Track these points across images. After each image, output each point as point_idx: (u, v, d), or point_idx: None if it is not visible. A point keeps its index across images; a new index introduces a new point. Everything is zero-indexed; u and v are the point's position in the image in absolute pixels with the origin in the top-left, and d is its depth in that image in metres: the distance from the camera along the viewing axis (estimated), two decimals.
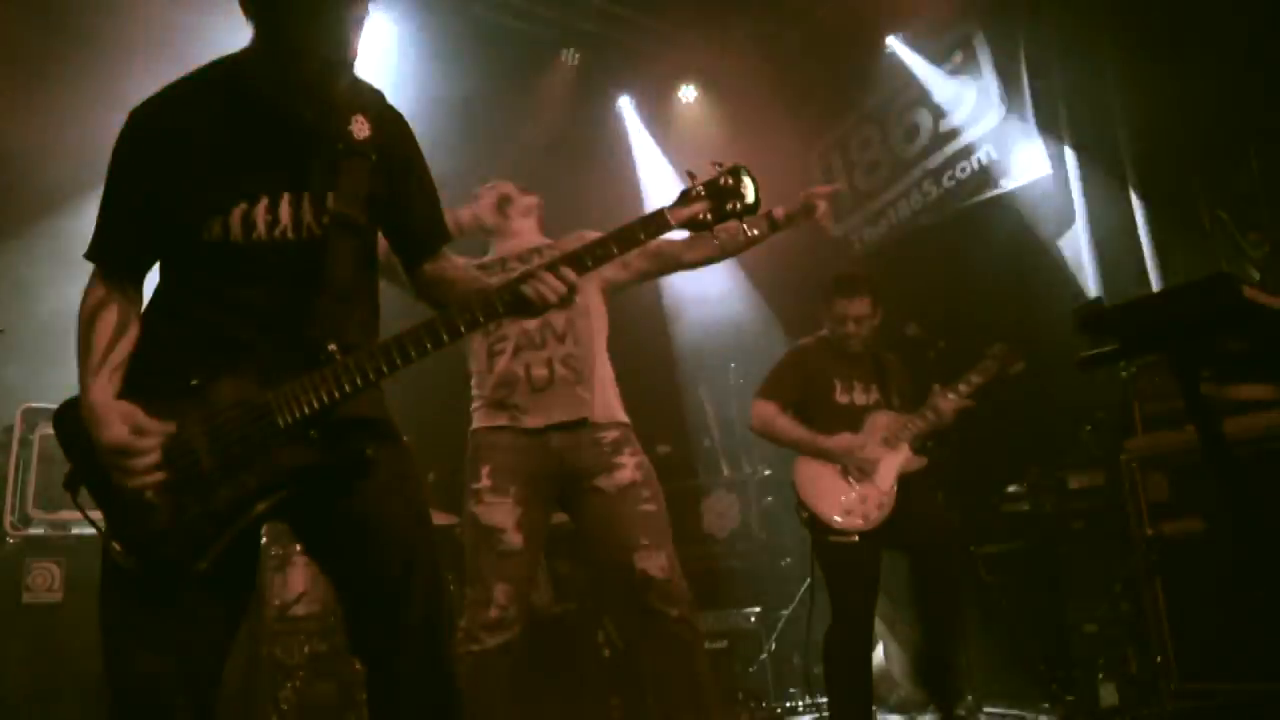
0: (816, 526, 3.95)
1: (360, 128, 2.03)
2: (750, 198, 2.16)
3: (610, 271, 3.28)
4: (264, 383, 1.93)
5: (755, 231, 3.14)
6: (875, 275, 4.37)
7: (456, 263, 2.26)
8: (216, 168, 1.96)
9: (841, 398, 4.08)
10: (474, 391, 3.27)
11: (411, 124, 2.18)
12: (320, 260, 1.98)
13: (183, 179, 1.97)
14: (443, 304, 2.14)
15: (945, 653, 4.01)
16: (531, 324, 3.13)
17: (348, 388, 1.92)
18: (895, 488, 3.93)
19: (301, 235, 1.99)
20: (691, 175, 2.16)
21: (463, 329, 1.97)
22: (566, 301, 2.05)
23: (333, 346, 1.95)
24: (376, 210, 2.06)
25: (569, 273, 2.03)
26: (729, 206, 2.15)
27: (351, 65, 1.98)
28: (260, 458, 1.91)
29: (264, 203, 1.97)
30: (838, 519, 3.90)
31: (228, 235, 1.96)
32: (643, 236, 2.09)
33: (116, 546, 1.90)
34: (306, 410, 1.91)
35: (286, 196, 1.98)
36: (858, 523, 3.89)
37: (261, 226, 1.97)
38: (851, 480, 3.96)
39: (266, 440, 1.91)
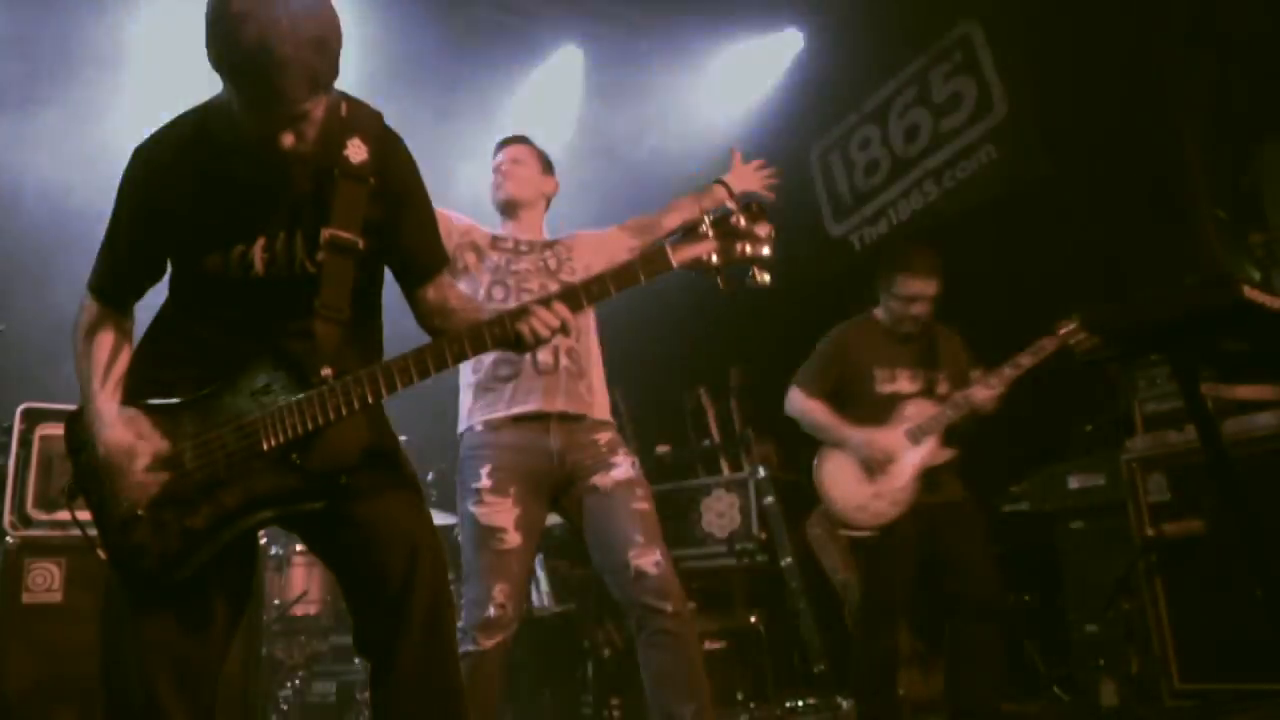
0: (835, 521, 3.86)
1: (357, 151, 2.02)
2: (764, 244, 2.00)
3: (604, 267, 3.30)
4: (255, 404, 1.96)
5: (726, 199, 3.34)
6: (875, 277, 4.30)
7: (458, 291, 2.26)
8: (214, 211, 1.99)
9: (883, 387, 3.86)
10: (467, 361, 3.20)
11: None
12: (317, 288, 2.00)
13: (181, 221, 2.00)
14: (441, 332, 2.15)
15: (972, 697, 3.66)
16: None
17: (333, 414, 1.93)
18: (914, 484, 3.72)
19: (294, 271, 2.02)
20: (705, 212, 2.03)
21: (450, 361, 1.97)
22: (562, 333, 2.02)
23: (327, 371, 1.96)
24: (375, 234, 2.06)
25: (563, 309, 2.00)
26: (739, 249, 1.99)
27: (326, 91, 1.89)
28: (242, 478, 1.94)
29: (260, 243, 2.00)
30: (850, 516, 3.78)
31: (226, 270, 2.00)
32: (642, 277, 2.00)
33: (102, 555, 1.95)
34: (291, 434, 1.93)
35: (282, 235, 2.01)
36: (869, 520, 3.74)
37: (259, 265, 2.00)
38: (870, 476, 3.78)
39: (250, 460, 1.94)
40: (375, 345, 2.19)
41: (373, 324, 2.19)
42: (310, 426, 1.93)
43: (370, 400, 1.94)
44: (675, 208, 3.42)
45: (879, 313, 3.94)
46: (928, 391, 3.86)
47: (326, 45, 1.80)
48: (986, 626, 3.63)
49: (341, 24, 1.86)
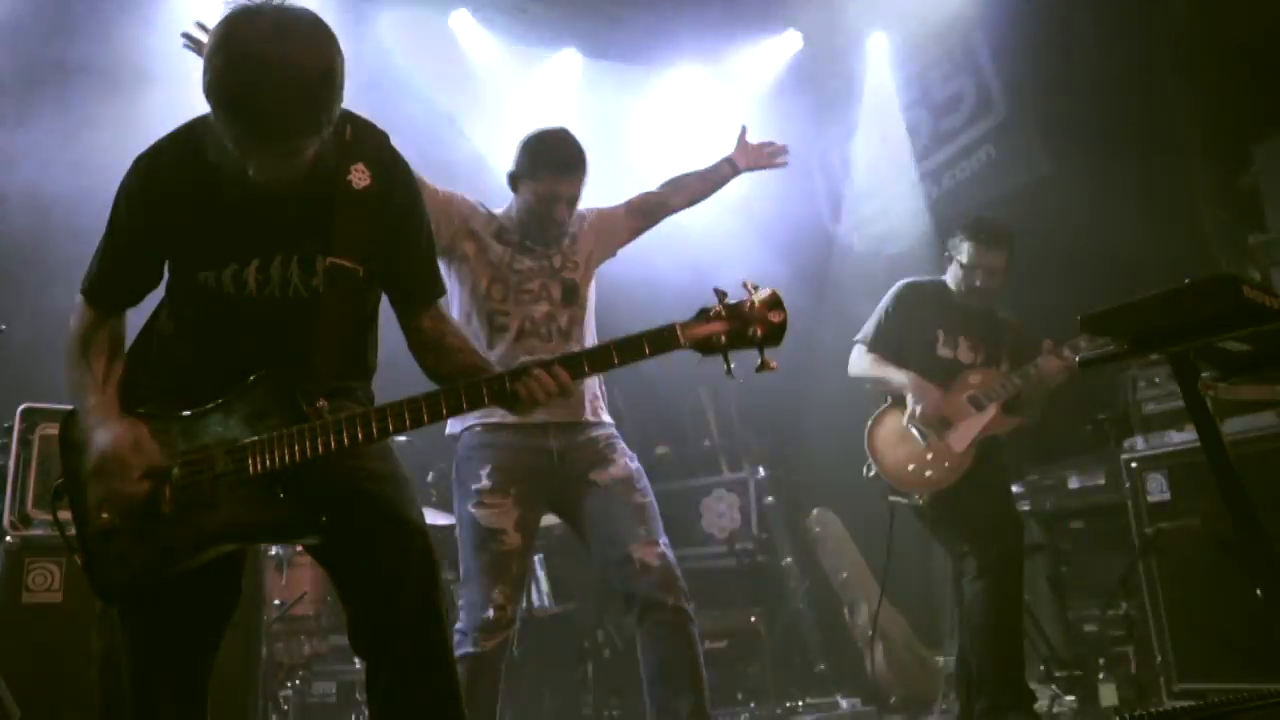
0: (889, 483, 3.73)
1: (360, 176, 2.01)
2: (775, 331, 2.01)
3: (605, 252, 3.31)
4: (247, 427, 1.95)
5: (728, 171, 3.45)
6: (875, 276, 4.33)
7: (455, 327, 2.25)
8: (209, 229, 1.98)
9: (943, 351, 3.77)
10: None
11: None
12: (313, 314, 2.00)
13: (178, 236, 2.00)
14: (435, 370, 2.15)
15: (988, 667, 3.62)
16: (538, 312, 3.11)
17: (321, 449, 1.92)
18: (972, 450, 3.61)
19: (288, 295, 2.01)
20: (720, 293, 2.03)
21: (445, 414, 1.97)
22: (561, 397, 2.01)
23: (323, 403, 1.96)
24: (375, 260, 2.05)
25: (563, 374, 1.99)
26: (749, 333, 2.00)
27: (313, 136, 1.86)
28: (224, 503, 1.93)
29: (255, 264, 1.99)
30: (901, 477, 3.66)
31: (219, 286, 2.00)
32: (648, 351, 2.01)
33: (78, 560, 1.96)
34: (278, 463, 1.92)
35: (278, 258, 2.00)
36: (918, 482, 3.63)
37: (253, 285, 2.00)
38: (925, 438, 3.64)
39: (235, 484, 1.93)
40: (370, 370, 2.19)
41: (368, 349, 2.19)
42: (298, 458, 1.91)
43: (360, 440, 1.93)
44: (682, 185, 3.41)
45: (950, 280, 3.85)
46: (988, 365, 3.78)
47: (315, 98, 1.78)
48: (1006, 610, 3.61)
49: (344, 69, 1.83)
